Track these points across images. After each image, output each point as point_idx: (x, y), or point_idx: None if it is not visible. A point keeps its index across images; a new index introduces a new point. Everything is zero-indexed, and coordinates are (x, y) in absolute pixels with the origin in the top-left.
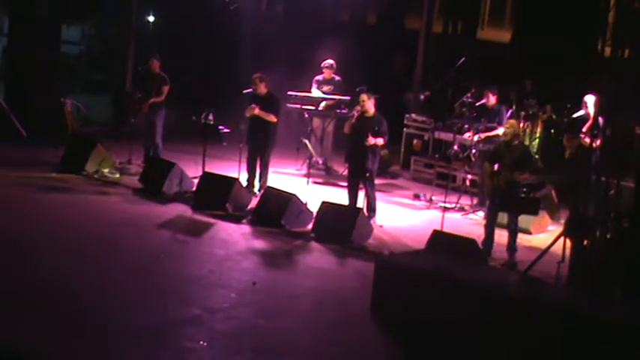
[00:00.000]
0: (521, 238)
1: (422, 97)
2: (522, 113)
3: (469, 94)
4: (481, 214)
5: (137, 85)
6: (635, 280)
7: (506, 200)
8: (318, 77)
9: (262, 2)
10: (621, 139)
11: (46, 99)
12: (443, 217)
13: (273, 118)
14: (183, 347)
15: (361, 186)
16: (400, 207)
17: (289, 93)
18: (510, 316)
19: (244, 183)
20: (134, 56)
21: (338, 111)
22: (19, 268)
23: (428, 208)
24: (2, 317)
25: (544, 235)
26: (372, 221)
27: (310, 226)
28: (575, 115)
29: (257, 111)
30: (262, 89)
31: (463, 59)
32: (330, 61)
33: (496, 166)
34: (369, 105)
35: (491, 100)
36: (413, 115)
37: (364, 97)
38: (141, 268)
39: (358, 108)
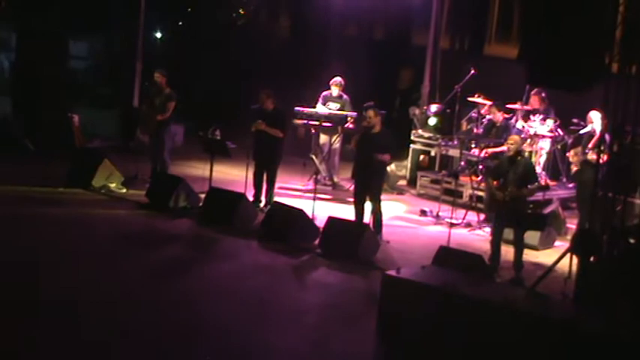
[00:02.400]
0: (528, 254)
1: (434, 110)
2: (529, 129)
3: (476, 110)
4: (488, 230)
5: (144, 100)
6: None
7: (512, 216)
8: (326, 93)
9: (269, 18)
10: (628, 155)
11: (54, 114)
12: (449, 233)
13: (279, 134)
14: None
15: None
16: (407, 223)
17: (296, 109)
18: (516, 332)
19: (251, 198)
20: (141, 71)
21: (345, 126)
22: (22, 282)
23: (434, 224)
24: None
25: (550, 251)
26: (378, 237)
27: (317, 242)
28: (581, 132)
29: (263, 126)
30: (269, 105)
31: (472, 72)
32: (339, 79)
33: (500, 182)
34: (376, 121)
35: (498, 116)
36: (420, 131)
37: (371, 113)
38: (146, 283)
39: (365, 124)
